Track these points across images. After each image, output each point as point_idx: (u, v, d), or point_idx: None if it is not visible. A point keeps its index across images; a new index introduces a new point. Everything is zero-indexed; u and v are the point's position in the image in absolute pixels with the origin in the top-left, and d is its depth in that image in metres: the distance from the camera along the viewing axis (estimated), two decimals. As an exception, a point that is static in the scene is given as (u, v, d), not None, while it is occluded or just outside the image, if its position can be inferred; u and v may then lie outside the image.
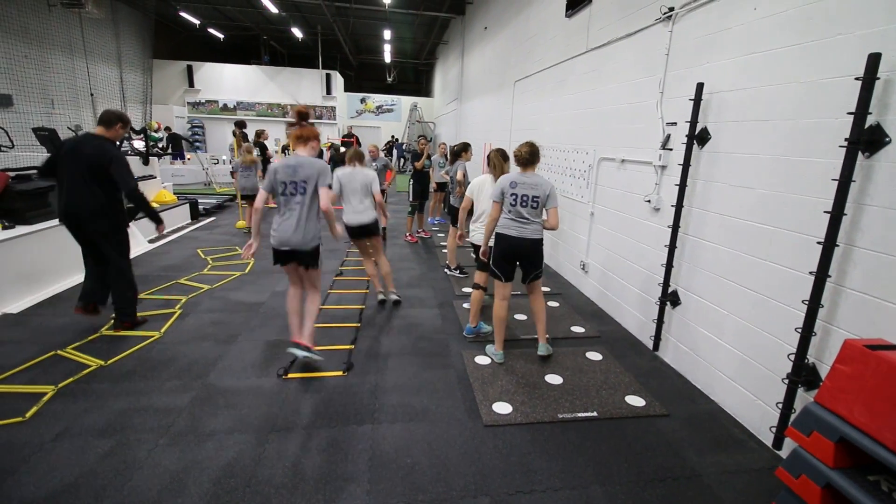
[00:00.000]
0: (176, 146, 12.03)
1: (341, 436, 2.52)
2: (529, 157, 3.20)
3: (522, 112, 7.41)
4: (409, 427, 2.62)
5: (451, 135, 15.12)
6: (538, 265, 3.32)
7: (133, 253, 5.78)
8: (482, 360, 3.42)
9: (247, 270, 5.37)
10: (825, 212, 2.19)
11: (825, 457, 1.77)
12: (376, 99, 21.95)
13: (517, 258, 3.29)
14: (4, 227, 4.20)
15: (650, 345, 3.71)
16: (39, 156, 6.59)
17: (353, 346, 3.57)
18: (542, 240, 3.27)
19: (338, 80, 18.89)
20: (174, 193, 8.50)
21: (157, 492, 2.08)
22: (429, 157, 7.13)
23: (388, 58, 20.28)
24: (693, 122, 3.14)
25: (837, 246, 2.18)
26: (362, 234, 4.21)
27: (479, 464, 2.34)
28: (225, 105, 17.78)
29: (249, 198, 7.26)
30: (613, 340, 3.88)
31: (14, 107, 9.51)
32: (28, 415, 2.57)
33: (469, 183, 4.13)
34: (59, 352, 3.29)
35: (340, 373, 3.17)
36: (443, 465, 2.32)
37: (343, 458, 2.35)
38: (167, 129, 14.32)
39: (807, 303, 2.28)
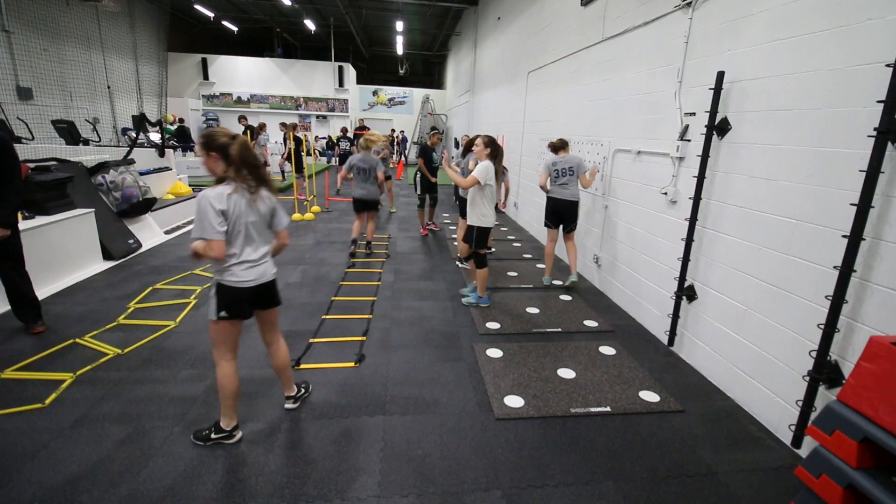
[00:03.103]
0: (182, 138, 12.17)
1: (353, 426, 2.53)
2: (562, 143, 4.72)
3: (536, 103, 7.32)
4: (420, 419, 2.62)
5: (464, 127, 15.03)
6: (575, 220, 4.71)
7: (149, 244, 5.88)
8: (494, 352, 3.40)
9: (260, 262, 5.41)
10: (851, 204, 2.12)
11: (848, 457, 1.72)
12: (388, 91, 21.90)
13: (561, 214, 4.64)
14: (24, 218, 4.27)
15: (665, 340, 3.65)
16: (59, 147, 6.70)
17: (364, 338, 3.58)
18: (578, 202, 4.66)
19: (350, 72, 18.89)
20: (189, 185, 8.59)
21: (171, 479, 2.11)
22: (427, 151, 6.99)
23: (400, 50, 20.19)
24: (713, 112, 3.06)
25: (864, 239, 2.11)
26: (259, 300, 2.37)
27: (490, 457, 2.33)
28: (239, 98, 17.91)
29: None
30: (627, 335, 3.83)
31: (34, 100, 9.68)
32: (47, 401, 2.62)
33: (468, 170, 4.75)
34: (77, 340, 3.35)
35: (352, 364, 3.18)
36: (454, 458, 2.31)
37: (355, 448, 2.36)
38: (180, 120, 14.49)
39: (830, 298, 2.22)
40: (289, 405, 2.68)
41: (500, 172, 4.07)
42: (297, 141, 9.23)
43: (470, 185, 3.94)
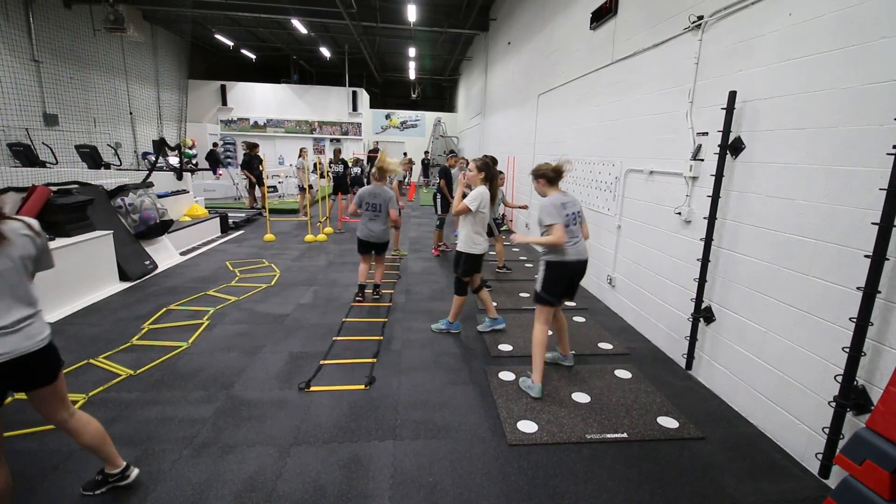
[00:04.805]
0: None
1: (362, 451, 2.48)
2: (555, 174, 3.15)
3: (546, 125, 7.38)
4: (431, 444, 2.56)
5: (475, 149, 15.18)
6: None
7: (165, 265, 5.97)
8: (506, 375, 3.34)
9: (273, 283, 5.44)
10: (873, 223, 2.06)
11: (880, 488, 1.64)
12: (401, 115, 22.30)
13: (576, 280, 3.19)
14: (47, 239, 4.37)
15: (682, 363, 3.55)
16: (81, 171, 6.90)
17: (375, 360, 3.55)
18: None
19: (364, 97, 19.31)
20: (205, 207, 8.75)
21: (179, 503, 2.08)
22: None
23: (412, 75, 20.63)
24: (726, 131, 3.04)
25: (888, 259, 2.05)
26: (17, 380, 1.81)
27: (503, 485, 2.26)
28: (256, 122, 18.37)
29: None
30: (643, 358, 3.74)
31: (59, 126, 10.05)
32: (59, 422, 2.62)
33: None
34: (91, 361, 3.38)
35: (362, 386, 3.14)
36: (466, 486, 2.25)
37: (364, 474, 2.31)
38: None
39: (854, 320, 2.14)
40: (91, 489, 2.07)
41: (496, 196, 3.81)
42: (345, 164, 9.66)
43: (460, 211, 3.72)
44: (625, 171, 4.62)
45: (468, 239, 3.79)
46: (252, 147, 10.56)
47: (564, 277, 3.09)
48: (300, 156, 9.98)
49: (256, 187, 10.89)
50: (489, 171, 3.79)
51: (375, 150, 15.35)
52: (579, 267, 3.11)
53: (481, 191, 3.72)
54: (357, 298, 4.86)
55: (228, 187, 12.88)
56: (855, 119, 2.25)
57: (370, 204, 4.66)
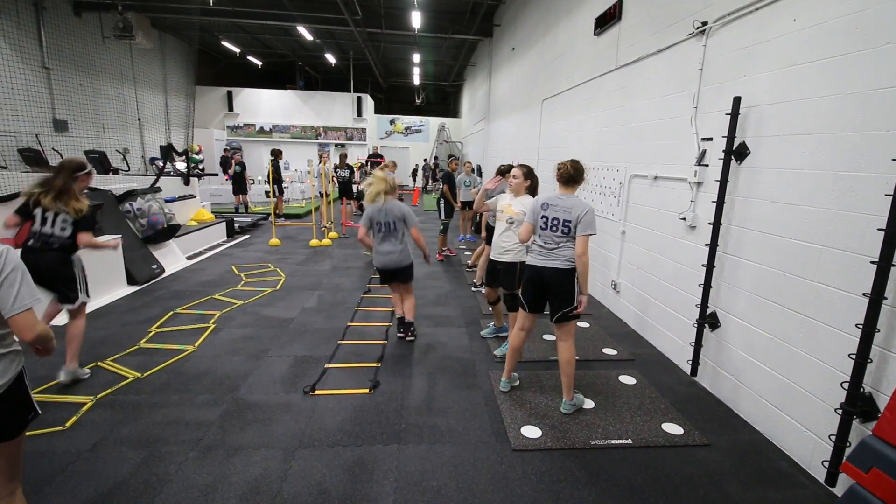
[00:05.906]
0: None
1: (367, 455, 2.49)
2: (575, 173, 2.90)
3: (550, 130, 7.40)
4: (435, 449, 2.56)
5: (479, 154, 15.22)
6: (566, 301, 2.85)
7: (172, 269, 6.01)
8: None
9: (278, 287, 5.47)
10: (879, 229, 2.06)
11: (887, 496, 1.62)
12: (405, 120, 22.39)
13: (542, 290, 2.94)
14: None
15: (687, 369, 3.54)
16: (89, 177, 6.96)
17: (379, 364, 3.56)
18: (572, 271, 2.85)
19: (368, 102, 19.42)
20: (212, 212, 8.82)
21: (184, 506, 2.09)
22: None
23: (416, 80, 20.74)
24: (730, 137, 3.04)
25: (894, 265, 2.04)
26: None
27: (507, 490, 2.26)
28: (262, 128, 18.52)
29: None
30: (648, 364, 3.73)
31: (69, 131, 10.16)
32: (68, 424, 2.65)
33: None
34: (99, 363, 3.41)
35: (366, 390, 3.15)
36: (469, 491, 2.25)
37: (368, 478, 2.31)
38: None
39: (861, 327, 2.13)
40: None
41: None
42: (351, 169, 10.02)
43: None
44: (629, 176, 4.62)
45: (518, 247, 3.47)
46: (277, 154, 10.77)
47: (527, 280, 3.01)
48: (320, 161, 10.05)
49: (245, 191, 11.32)
50: (534, 179, 3.49)
51: (376, 155, 15.38)
52: (535, 274, 2.92)
53: (530, 203, 3.14)
54: (399, 333, 4.05)
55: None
56: (861, 124, 2.25)
57: (381, 223, 3.83)
